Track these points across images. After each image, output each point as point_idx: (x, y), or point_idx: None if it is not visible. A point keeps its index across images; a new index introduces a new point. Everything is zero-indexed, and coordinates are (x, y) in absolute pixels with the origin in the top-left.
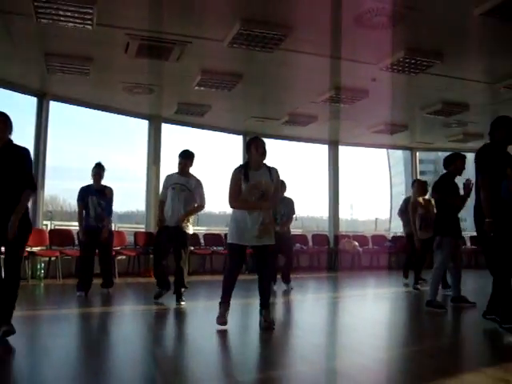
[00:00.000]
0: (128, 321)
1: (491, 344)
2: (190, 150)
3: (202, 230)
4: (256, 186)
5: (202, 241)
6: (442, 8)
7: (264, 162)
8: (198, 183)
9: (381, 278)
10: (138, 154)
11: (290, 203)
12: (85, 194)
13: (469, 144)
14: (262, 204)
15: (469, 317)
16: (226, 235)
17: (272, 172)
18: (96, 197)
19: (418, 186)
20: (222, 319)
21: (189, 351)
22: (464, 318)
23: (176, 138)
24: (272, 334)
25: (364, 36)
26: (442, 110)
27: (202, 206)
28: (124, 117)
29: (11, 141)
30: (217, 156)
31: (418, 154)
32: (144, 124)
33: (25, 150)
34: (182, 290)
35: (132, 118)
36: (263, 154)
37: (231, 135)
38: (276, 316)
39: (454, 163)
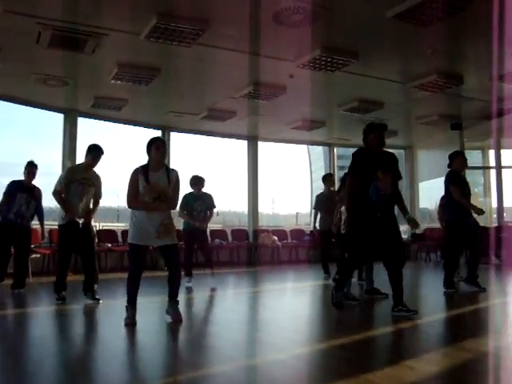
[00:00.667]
0: (39, 322)
1: (405, 334)
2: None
3: (121, 226)
4: (153, 187)
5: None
6: (356, 9)
7: (164, 162)
8: (100, 179)
9: (300, 271)
10: (51, 148)
11: (209, 198)
12: (15, 188)
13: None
14: (159, 205)
15: (382, 308)
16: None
17: (171, 174)
18: (27, 195)
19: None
20: (129, 320)
21: (100, 352)
22: (378, 310)
23: (94, 132)
24: (179, 325)
25: (282, 33)
26: (358, 108)
27: (99, 202)
28: (38, 109)
29: None
30: (135, 151)
31: (336, 149)
32: (59, 118)
33: None
34: (96, 286)
35: (46, 111)
36: (163, 154)
37: (150, 130)
38: (194, 313)
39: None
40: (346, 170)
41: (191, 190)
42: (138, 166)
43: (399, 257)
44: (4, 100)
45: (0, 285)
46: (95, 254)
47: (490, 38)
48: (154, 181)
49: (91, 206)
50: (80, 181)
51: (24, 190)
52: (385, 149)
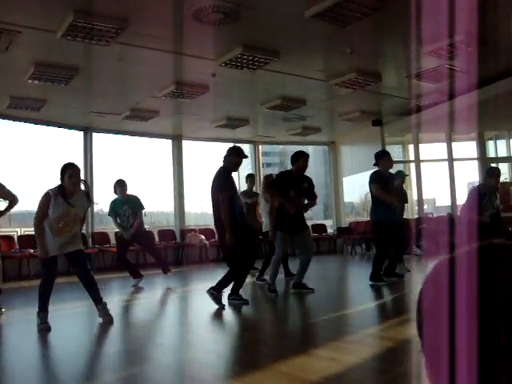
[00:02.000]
0: None
1: (327, 326)
2: None
3: None
4: (67, 214)
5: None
6: (276, 8)
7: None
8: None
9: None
10: None
11: (135, 201)
12: None
13: (308, 137)
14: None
15: (308, 302)
16: None
17: (88, 195)
18: None
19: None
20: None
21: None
22: (302, 304)
23: (10, 133)
24: (110, 328)
25: (203, 32)
26: (281, 105)
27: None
28: None
29: None
30: (55, 153)
31: (260, 147)
32: None
33: None
34: None
35: None
36: (76, 183)
37: (72, 131)
38: (117, 317)
39: (297, 161)
40: (272, 167)
41: (116, 196)
42: (51, 189)
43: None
44: None
45: None
46: None
47: (407, 38)
48: (64, 207)
49: None
50: None
51: None
52: (308, 145)
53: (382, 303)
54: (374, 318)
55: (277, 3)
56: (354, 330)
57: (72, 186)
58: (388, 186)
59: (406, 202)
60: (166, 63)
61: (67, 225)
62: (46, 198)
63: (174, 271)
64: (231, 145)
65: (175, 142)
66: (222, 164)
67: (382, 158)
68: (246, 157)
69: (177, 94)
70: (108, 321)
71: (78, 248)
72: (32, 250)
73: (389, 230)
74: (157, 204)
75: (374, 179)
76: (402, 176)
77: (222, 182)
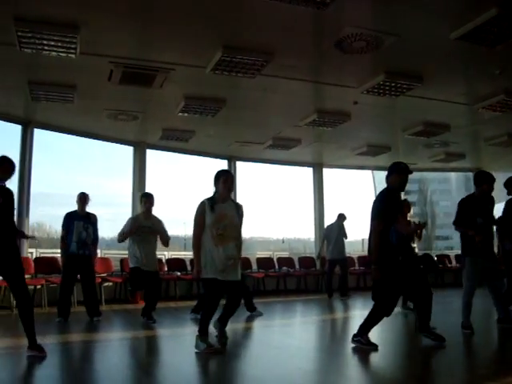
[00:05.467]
0: (114, 349)
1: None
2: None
3: (188, 254)
4: (220, 218)
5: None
6: (419, 33)
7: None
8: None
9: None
10: (124, 180)
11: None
12: (69, 219)
13: (451, 164)
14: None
15: None
16: None
17: (239, 207)
18: (83, 222)
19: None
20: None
21: (179, 378)
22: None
23: (162, 162)
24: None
25: (344, 60)
26: (424, 131)
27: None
28: (109, 143)
29: None
30: (203, 180)
31: None
32: (129, 150)
33: None
34: None
35: (117, 144)
36: (230, 189)
37: (216, 160)
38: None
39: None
40: (411, 195)
41: None
42: (205, 199)
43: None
44: (78, 135)
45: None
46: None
47: None
48: (221, 212)
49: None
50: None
51: (79, 218)
52: (450, 171)
53: None
54: None
55: (421, 28)
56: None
57: (226, 191)
58: None
59: None
60: (308, 92)
61: None
62: None
63: (315, 298)
64: (369, 172)
65: (316, 169)
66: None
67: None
68: (410, 172)
69: (318, 123)
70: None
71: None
72: (179, 273)
73: None
74: (294, 231)
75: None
76: None
77: (377, 208)
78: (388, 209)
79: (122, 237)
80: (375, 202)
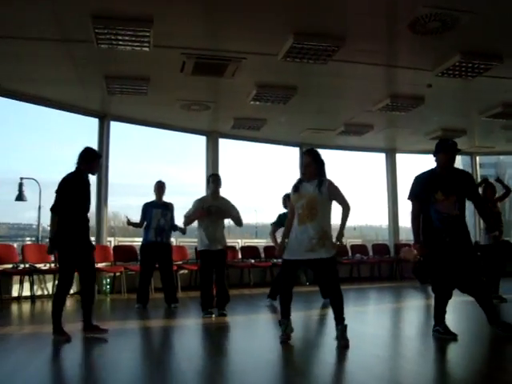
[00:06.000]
0: (191, 334)
1: None
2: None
3: (261, 242)
4: (301, 195)
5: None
6: (499, 8)
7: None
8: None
9: None
10: (196, 169)
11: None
12: (148, 207)
13: None
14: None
15: None
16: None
17: (322, 184)
18: (161, 209)
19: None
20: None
21: (257, 365)
22: None
23: (232, 151)
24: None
25: (418, 42)
26: (503, 113)
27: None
28: (181, 133)
29: None
30: (273, 168)
31: (478, 158)
32: (201, 140)
33: None
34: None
35: (189, 134)
36: (304, 173)
37: (287, 147)
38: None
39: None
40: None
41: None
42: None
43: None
44: (151, 126)
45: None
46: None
47: None
48: (304, 191)
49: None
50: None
51: (157, 206)
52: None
53: None
54: None
55: (499, 3)
56: None
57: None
58: None
59: None
60: (380, 77)
61: None
62: None
63: (388, 286)
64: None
65: (389, 155)
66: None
67: None
68: (458, 150)
69: (391, 108)
70: (344, 345)
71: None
72: (253, 260)
73: None
74: (367, 218)
75: None
76: None
77: (410, 189)
78: (424, 190)
79: (188, 219)
80: (412, 184)
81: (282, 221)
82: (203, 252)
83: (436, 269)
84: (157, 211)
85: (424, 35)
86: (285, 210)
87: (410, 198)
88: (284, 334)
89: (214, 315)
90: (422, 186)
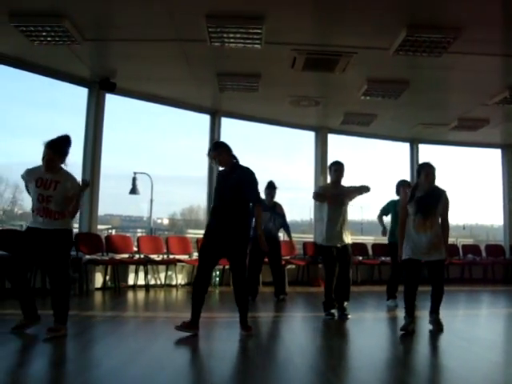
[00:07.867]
0: (300, 328)
1: None
2: None
3: (368, 239)
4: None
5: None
6: None
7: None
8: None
9: None
10: (301, 165)
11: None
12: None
13: None
14: None
15: None
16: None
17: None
18: (269, 213)
19: None
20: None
21: (369, 362)
22: None
23: (339, 147)
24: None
25: None
26: None
27: None
28: (286, 128)
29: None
30: (380, 164)
31: None
32: (310, 135)
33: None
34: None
35: (295, 130)
36: (432, 181)
37: (397, 143)
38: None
39: None
40: None
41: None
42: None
43: None
44: (261, 122)
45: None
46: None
47: None
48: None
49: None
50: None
51: (266, 209)
52: None
53: None
54: None
55: None
56: None
57: (427, 184)
58: None
59: None
60: (497, 68)
61: None
62: None
63: (502, 289)
64: None
65: (505, 151)
66: None
67: None
68: None
69: (510, 101)
70: (438, 329)
71: None
72: (360, 258)
73: None
74: (476, 217)
75: None
76: None
77: None
78: None
79: (320, 197)
80: None
81: (389, 209)
82: (326, 248)
83: None
84: (265, 214)
85: None
86: (397, 197)
87: None
88: (405, 326)
89: (335, 316)
90: None
